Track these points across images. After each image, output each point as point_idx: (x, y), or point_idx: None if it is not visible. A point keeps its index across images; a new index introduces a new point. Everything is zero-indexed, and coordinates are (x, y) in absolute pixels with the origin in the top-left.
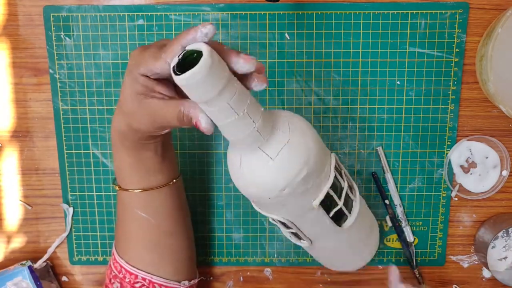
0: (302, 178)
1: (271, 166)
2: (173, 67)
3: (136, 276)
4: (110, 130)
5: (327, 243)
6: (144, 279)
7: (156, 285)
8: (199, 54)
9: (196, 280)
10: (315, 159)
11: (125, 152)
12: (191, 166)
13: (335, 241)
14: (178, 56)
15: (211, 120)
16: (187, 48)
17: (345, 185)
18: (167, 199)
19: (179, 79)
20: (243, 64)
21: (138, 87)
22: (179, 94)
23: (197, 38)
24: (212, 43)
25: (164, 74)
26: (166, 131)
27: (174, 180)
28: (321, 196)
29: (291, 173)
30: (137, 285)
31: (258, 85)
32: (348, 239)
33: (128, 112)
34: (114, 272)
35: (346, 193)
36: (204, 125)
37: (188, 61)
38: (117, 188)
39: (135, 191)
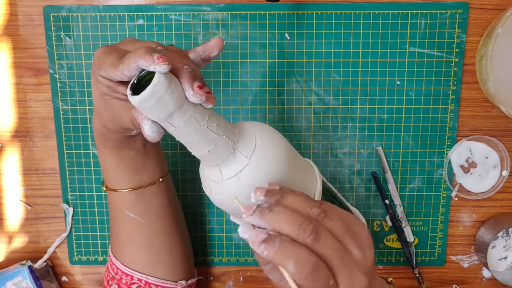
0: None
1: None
2: (130, 85)
3: (132, 277)
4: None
5: None
6: (140, 280)
7: (152, 285)
8: (152, 75)
9: (194, 280)
10: (287, 166)
11: (108, 152)
12: (191, 166)
13: None
14: (133, 80)
15: (157, 129)
16: (141, 72)
17: (336, 191)
18: (155, 198)
19: (131, 99)
20: (192, 97)
21: (101, 87)
22: None
23: (150, 68)
24: (174, 60)
25: (124, 80)
26: (134, 132)
27: (160, 179)
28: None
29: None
30: (134, 286)
31: (205, 104)
32: None
33: (98, 112)
34: (111, 273)
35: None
36: (146, 132)
37: (146, 80)
38: (104, 188)
39: (122, 191)
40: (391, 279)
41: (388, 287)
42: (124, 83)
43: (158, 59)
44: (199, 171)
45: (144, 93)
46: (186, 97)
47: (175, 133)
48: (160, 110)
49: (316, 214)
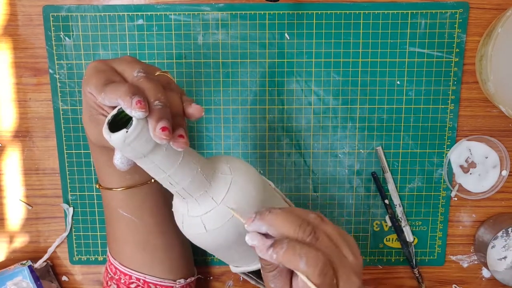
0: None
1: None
2: (106, 121)
3: (131, 277)
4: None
5: None
6: (138, 279)
7: (150, 284)
8: (124, 114)
9: (193, 278)
10: (262, 195)
11: (99, 151)
12: None
13: None
14: (109, 117)
15: (126, 162)
16: (117, 109)
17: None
18: (148, 197)
19: (104, 134)
20: (153, 137)
21: (89, 101)
22: None
23: (127, 111)
24: (149, 93)
25: (106, 105)
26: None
27: (152, 179)
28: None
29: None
30: (132, 285)
31: (191, 114)
32: None
33: (84, 121)
34: (110, 274)
35: None
36: (115, 161)
37: (122, 116)
38: (98, 187)
39: (116, 190)
40: None
41: None
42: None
43: (136, 104)
44: (181, 219)
45: (116, 135)
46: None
47: (162, 163)
48: (131, 151)
49: (313, 218)
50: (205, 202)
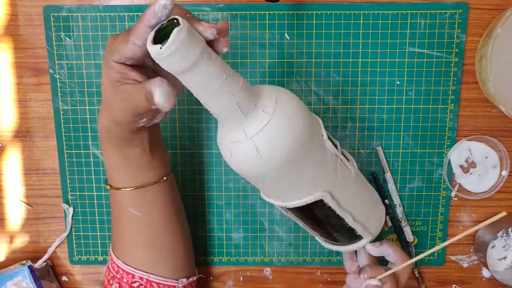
0: (293, 154)
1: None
2: (151, 41)
3: (133, 276)
4: (98, 129)
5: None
6: (141, 278)
7: (153, 283)
8: (171, 27)
9: (195, 278)
10: (304, 132)
11: (113, 150)
12: (191, 165)
13: (350, 189)
14: (153, 32)
15: (167, 95)
16: (160, 24)
17: (337, 143)
18: (159, 196)
19: (156, 51)
20: (205, 32)
21: (113, 74)
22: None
23: (156, 12)
24: (179, 11)
25: (136, 57)
26: (144, 120)
27: (165, 178)
28: (325, 135)
29: (276, 154)
30: (135, 284)
31: (219, 48)
32: (359, 191)
33: (108, 104)
34: (112, 273)
35: (342, 153)
36: (157, 98)
37: (161, 36)
38: (108, 187)
39: (126, 189)
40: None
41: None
42: (136, 68)
43: (160, 1)
44: (218, 139)
45: (172, 36)
46: (205, 44)
47: (196, 84)
48: (185, 56)
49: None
50: (257, 118)
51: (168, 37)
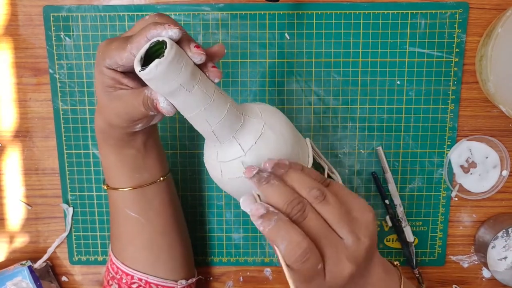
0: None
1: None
2: (139, 60)
3: (132, 277)
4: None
5: None
6: (140, 280)
7: (152, 285)
8: (160, 48)
9: (194, 279)
10: (291, 149)
11: (109, 151)
12: (191, 166)
13: None
14: (141, 54)
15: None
16: (151, 41)
17: (326, 167)
18: (156, 197)
19: (144, 72)
20: (192, 56)
21: (106, 80)
22: (145, 86)
23: (162, 35)
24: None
25: (129, 65)
26: (140, 125)
27: (161, 178)
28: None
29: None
30: (134, 285)
31: (210, 77)
32: None
33: (101, 107)
34: (111, 273)
35: (328, 174)
36: (162, 104)
37: (150, 54)
38: (105, 187)
39: (123, 189)
40: (397, 262)
41: (392, 275)
42: (128, 75)
43: (168, 25)
44: (205, 160)
45: (150, 66)
46: (193, 67)
47: (175, 105)
48: (162, 85)
49: (314, 195)
50: (231, 149)
51: (156, 56)
